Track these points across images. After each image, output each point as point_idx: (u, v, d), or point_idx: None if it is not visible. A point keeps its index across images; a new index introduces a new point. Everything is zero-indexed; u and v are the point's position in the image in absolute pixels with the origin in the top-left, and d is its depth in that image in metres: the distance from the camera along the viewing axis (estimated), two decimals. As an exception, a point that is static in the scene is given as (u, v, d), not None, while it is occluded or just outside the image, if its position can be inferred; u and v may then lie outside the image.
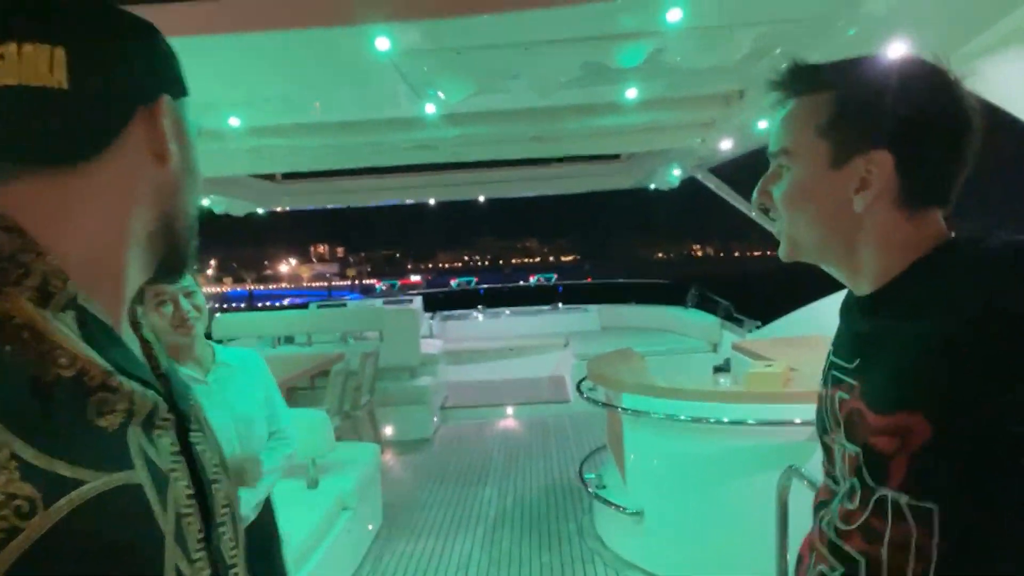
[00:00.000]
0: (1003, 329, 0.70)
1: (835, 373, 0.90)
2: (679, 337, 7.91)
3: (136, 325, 0.67)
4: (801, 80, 0.88)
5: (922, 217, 0.84)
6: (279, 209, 8.00)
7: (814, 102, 0.86)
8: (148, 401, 0.56)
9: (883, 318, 0.84)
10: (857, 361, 0.87)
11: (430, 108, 2.97)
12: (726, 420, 3.14)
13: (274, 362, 5.42)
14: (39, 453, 0.47)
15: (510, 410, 7.28)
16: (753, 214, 6.17)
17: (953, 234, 0.84)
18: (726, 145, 4.70)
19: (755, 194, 0.93)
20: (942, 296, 0.77)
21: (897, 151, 0.81)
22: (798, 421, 2.98)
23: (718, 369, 5.44)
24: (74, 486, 0.48)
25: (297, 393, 5.70)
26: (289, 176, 7.39)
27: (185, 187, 0.66)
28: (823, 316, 4.91)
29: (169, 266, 0.67)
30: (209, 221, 7.95)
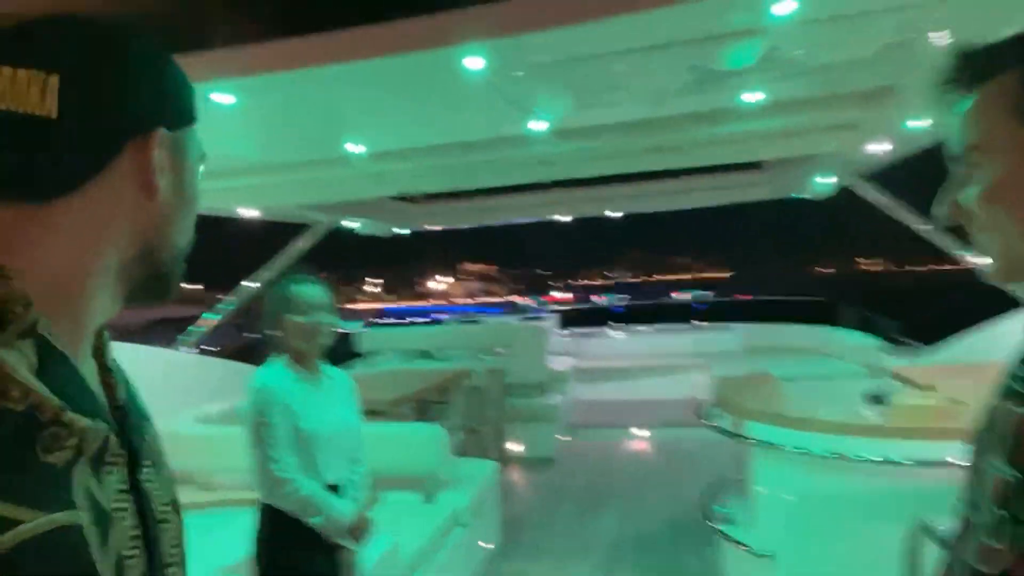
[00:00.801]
0: None
1: (1014, 385, 0.75)
2: (832, 361, 7.23)
3: (99, 351, 0.65)
4: (977, 66, 0.74)
5: None
6: (432, 227, 8.33)
7: (1001, 85, 0.72)
8: (99, 436, 0.54)
9: None
10: None
11: (537, 125, 2.94)
12: (868, 457, 2.77)
13: (407, 376, 5.69)
14: None
15: (640, 432, 7.03)
16: (921, 228, 5.52)
17: None
18: (879, 149, 4.23)
19: (940, 208, 0.79)
20: None
21: None
22: (960, 463, 2.56)
23: (874, 398, 4.88)
24: (10, 526, 0.46)
25: (428, 406, 5.87)
26: (428, 197, 7.71)
27: (175, 218, 0.65)
28: (1005, 340, 4.24)
29: (150, 292, 0.65)
30: (369, 240, 8.52)
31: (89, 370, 0.62)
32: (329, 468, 2.17)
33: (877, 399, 4.73)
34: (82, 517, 0.51)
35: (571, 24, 1.99)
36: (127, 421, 0.62)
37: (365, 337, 7.97)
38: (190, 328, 6.98)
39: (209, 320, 7.02)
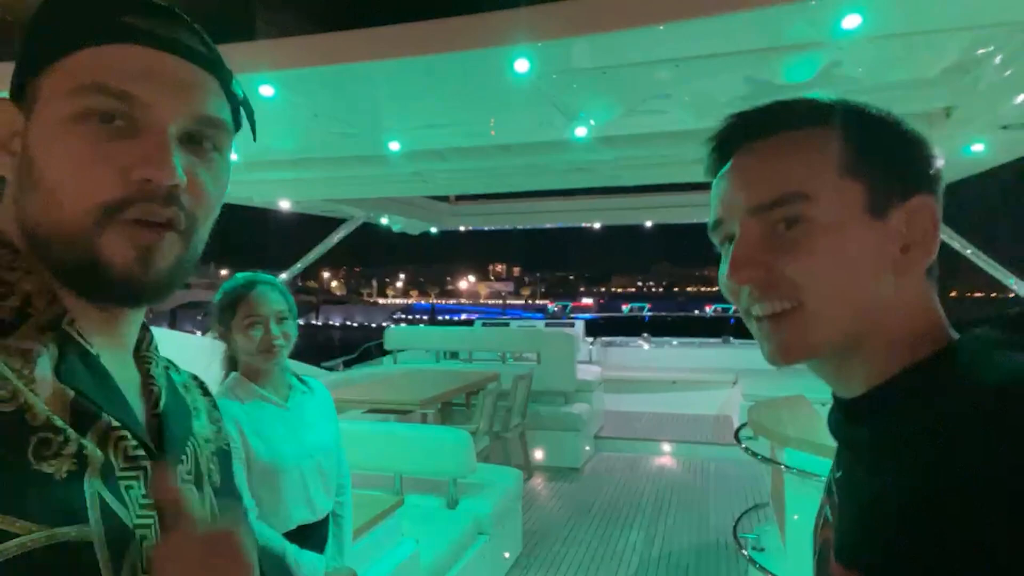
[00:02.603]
0: (970, 499, 0.47)
1: (830, 477, 0.71)
2: None
3: (143, 358, 0.63)
4: (792, 111, 0.65)
5: (932, 293, 0.63)
6: (461, 228, 8.30)
7: (820, 136, 0.62)
8: (101, 450, 0.51)
9: (865, 432, 0.62)
10: (840, 473, 0.68)
11: (581, 131, 2.88)
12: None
13: (433, 377, 5.67)
14: None
15: (668, 447, 6.91)
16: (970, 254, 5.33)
17: (953, 331, 0.62)
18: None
19: (733, 270, 0.64)
20: (917, 429, 0.54)
21: (937, 198, 0.62)
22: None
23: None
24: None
25: (452, 410, 5.84)
26: (462, 198, 7.70)
27: (28, 196, 0.54)
28: None
29: (89, 290, 0.55)
30: (402, 236, 8.53)
31: (127, 374, 0.60)
32: (300, 505, 1.84)
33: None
34: (93, 533, 0.48)
35: (615, 30, 1.92)
36: (164, 432, 0.59)
37: (394, 334, 7.98)
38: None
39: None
